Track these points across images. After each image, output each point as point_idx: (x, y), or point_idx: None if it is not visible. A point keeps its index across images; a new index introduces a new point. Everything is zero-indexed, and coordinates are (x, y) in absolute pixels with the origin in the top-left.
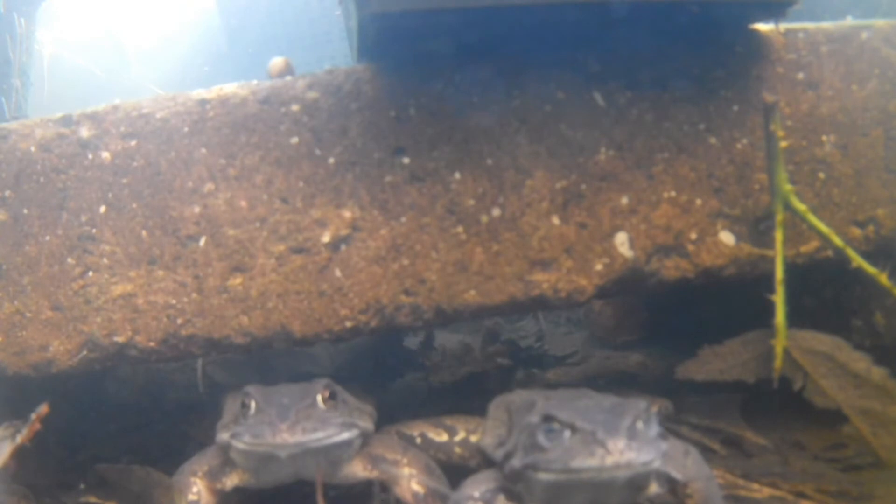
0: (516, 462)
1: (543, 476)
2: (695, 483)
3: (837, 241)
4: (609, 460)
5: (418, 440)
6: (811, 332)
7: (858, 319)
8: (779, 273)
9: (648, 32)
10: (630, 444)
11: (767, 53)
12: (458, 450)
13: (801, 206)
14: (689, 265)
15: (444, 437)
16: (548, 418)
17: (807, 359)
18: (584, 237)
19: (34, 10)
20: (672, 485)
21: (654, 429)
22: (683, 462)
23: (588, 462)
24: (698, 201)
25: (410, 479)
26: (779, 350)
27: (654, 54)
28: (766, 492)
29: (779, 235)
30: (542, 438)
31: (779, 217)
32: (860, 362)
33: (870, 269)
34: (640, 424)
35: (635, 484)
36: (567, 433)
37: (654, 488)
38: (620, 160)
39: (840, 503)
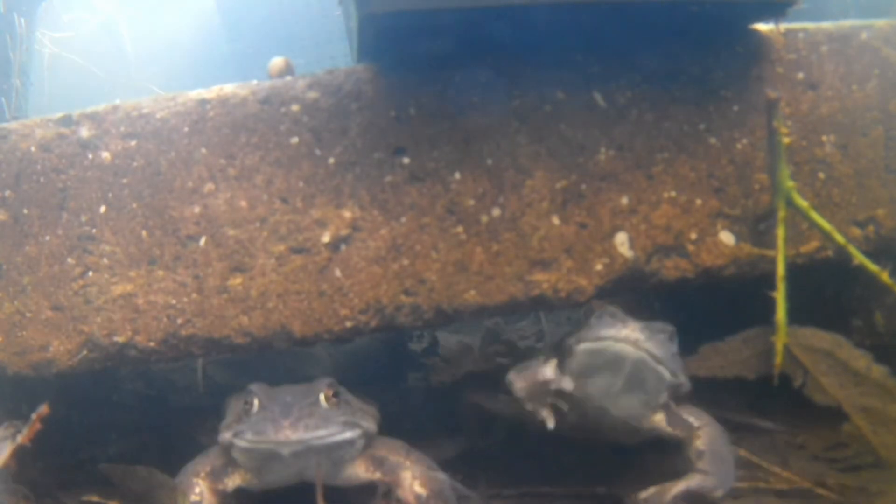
0: (570, 339)
1: (582, 346)
2: (703, 429)
3: (839, 238)
4: (618, 332)
5: None
6: (812, 330)
7: (858, 319)
8: (780, 270)
9: (648, 32)
10: None
11: (767, 53)
12: None
13: (802, 203)
14: (689, 265)
15: None
16: (601, 309)
17: (807, 356)
18: (584, 237)
19: (34, 10)
20: (685, 428)
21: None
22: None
23: (609, 332)
24: (698, 201)
25: (413, 481)
26: (779, 347)
27: (654, 54)
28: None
29: (780, 232)
30: (593, 321)
31: (781, 214)
32: (860, 360)
33: (871, 266)
34: None
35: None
36: (607, 318)
37: (661, 420)
38: (620, 160)
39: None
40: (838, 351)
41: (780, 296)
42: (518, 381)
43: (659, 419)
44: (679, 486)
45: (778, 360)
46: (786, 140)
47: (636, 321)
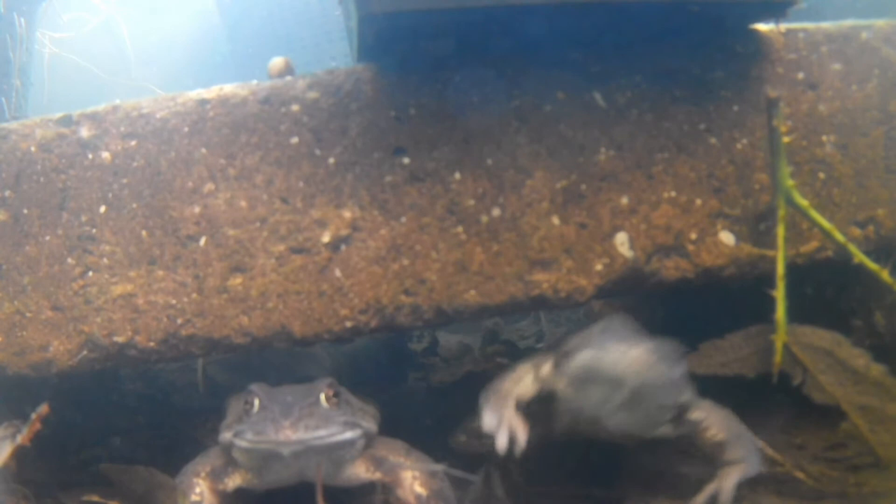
0: (568, 347)
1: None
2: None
3: (839, 237)
4: (624, 356)
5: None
6: (811, 328)
7: (858, 319)
8: (780, 269)
9: (648, 32)
10: None
11: (767, 53)
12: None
13: (803, 202)
14: (689, 265)
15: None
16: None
17: (806, 354)
18: (584, 237)
19: (34, 10)
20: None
21: None
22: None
23: (614, 352)
24: (698, 201)
25: (413, 482)
26: (779, 345)
27: (654, 54)
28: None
29: (780, 231)
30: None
31: (781, 213)
32: (860, 359)
33: (871, 264)
34: None
35: None
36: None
37: (669, 431)
38: (620, 160)
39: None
40: (837, 350)
41: (780, 294)
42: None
43: (666, 429)
44: (725, 492)
45: (777, 358)
46: (786, 139)
47: (644, 342)
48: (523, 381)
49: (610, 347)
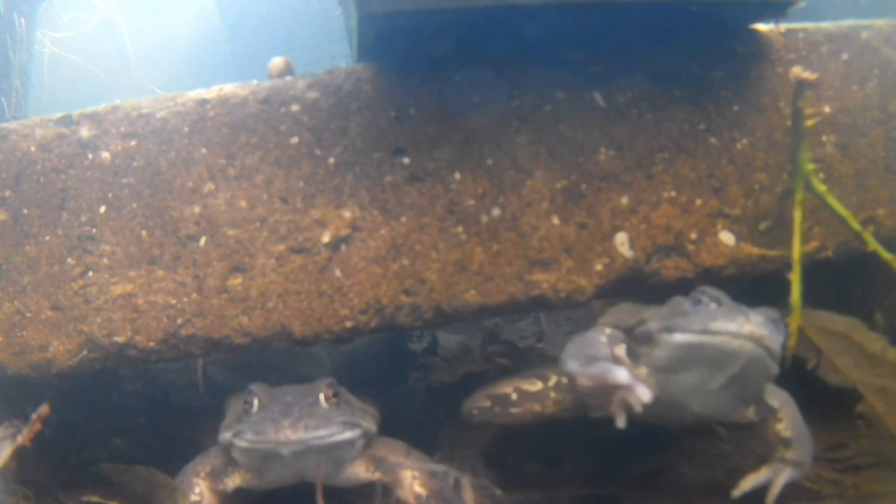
0: (653, 325)
1: (679, 337)
2: (783, 409)
3: (855, 224)
4: (740, 328)
5: (514, 395)
6: (826, 313)
7: (858, 319)
8: (796, 252)
9: (649, 33)
10: None
11: (767, 53)
12: (552, 395)
13: (821, 187)
14: (689, 265)
15: (539, 386)
16: (700, 292)
17: (822, 338)
18: (584, 237)
19: (34, 10)
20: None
21: None
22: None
23: (728, 326)
24: (698, 201)
25: (413, 482)
26: (794, 328)
27: (654, 54)
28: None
29: (797, 215)
30: (687, 306)
31: (798, 196)
32: (876, 342)
33: (885, 253)
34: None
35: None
36: (713, 305)
37: (751, 413)
38: (620, 160)
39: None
40: (853, 333)
41: (795, 278)
42: (581, 376)
43: (750, 412)
44: (776, 487)
45: (792, 341)
46: (809, 122)
47: (756, 312)
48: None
49: (720, 324)
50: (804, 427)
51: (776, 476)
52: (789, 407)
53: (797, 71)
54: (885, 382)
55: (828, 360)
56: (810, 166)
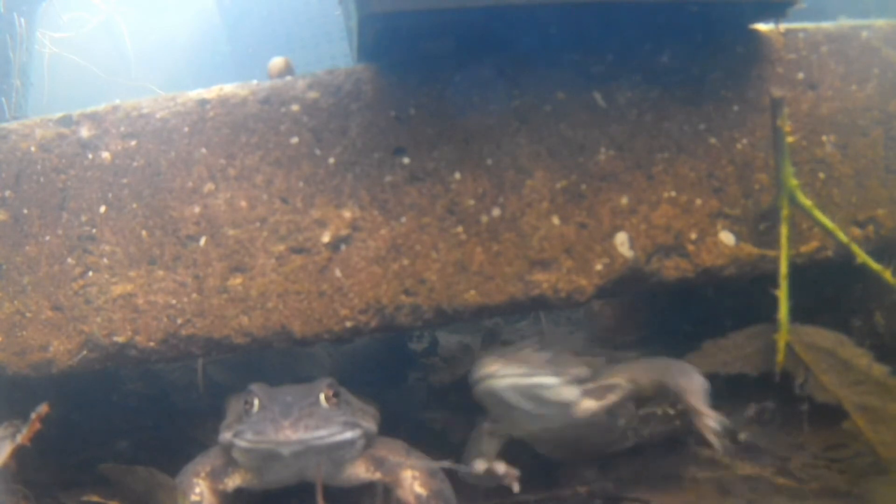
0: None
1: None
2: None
3: (842, 236)
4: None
5: None
6: (814, 328)
7: (858, 319)
8: (783, 268)
9: (648, 32)
10: None
11: (767, 53)
12: None
13: (806, 202)
14: (689, 265)
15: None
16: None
17: (809, 354)
18: (584, 237)
19: (34, 10)
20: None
21: None
22: None
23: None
24: (698, 201)
25: (413, 482)
26: (781, 344)
27: (654, 54)
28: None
29: (784, 230)
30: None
31: (784, 212)
32: (861, 359)
33: (873, 264)
34: None
35: None
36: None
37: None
38: (620, 160)
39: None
40: (840, 349)
41: (782, 294)
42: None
43: (588, 405)
44: (704, 413)
45: (780, 357)
46: (789, 139)
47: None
48: None
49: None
50: (661, 361)
51: (696, 408)
52: (633, 366)
53: (774, 91)
54: (870, 400)
55: (815, 377)
56: (794, 182)
